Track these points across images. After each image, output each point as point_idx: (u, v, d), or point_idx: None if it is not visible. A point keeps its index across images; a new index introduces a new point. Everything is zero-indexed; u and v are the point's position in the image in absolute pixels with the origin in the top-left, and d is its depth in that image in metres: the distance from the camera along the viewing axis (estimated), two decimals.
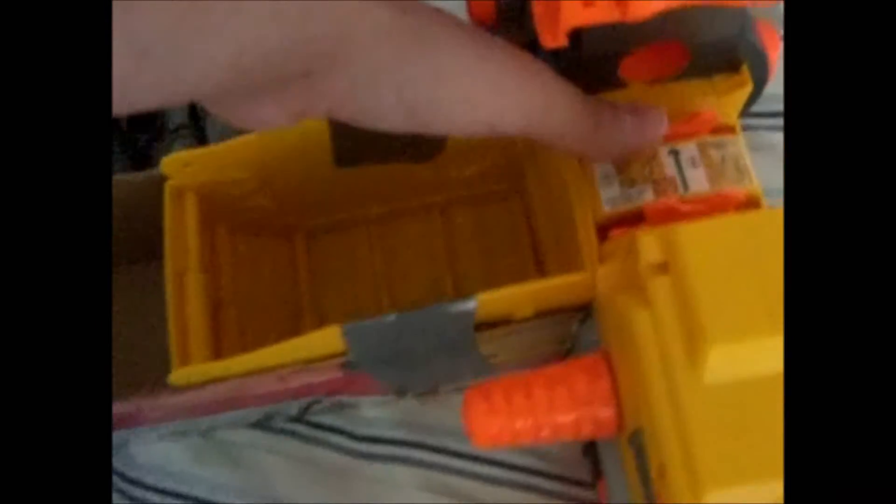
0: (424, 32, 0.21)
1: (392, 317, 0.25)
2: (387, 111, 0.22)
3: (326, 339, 0.25)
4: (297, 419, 0.35)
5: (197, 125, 0.37)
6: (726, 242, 0.22)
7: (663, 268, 0.22)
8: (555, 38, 0.24)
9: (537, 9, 0.25)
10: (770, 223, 0.22)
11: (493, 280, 0.34)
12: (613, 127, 0.25)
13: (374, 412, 0.34)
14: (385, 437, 0.34)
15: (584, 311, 0.27)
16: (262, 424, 0.35)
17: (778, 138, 0.37)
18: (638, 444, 0.23)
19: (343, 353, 0.26)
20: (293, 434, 0.34)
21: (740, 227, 0.22)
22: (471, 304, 0.25)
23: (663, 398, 0.21)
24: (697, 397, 0.21)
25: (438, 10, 0.22)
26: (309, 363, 0.27)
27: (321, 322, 0.34)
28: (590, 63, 0.27)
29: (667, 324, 0.22)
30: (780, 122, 0.37)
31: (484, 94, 0.23)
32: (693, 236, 0.22)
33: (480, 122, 0.23)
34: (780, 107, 0.37)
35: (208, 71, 0.19)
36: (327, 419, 0.35)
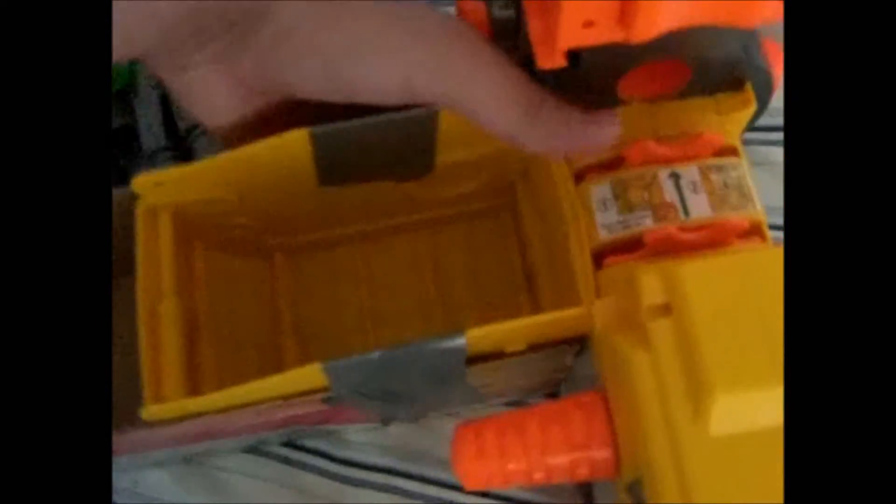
0: None
1: (376, 354, 0.23)
2: (307, 71, 0.23)
3: (307, 376, 0.24)
4: (283, 443, 0.33)
5: (179, 147, 0.35)
6: (732, 284, 0.20)
7: (665, 309, 0.21)
8: (552, 59, 0.23)
9: (534, 27, 0.23)
10: (778, 263, 0.21)
11: (483, 300, 0.33)
12: (556, 121, 0.24)
13: (361, 437, 0.33)
14: (371, 464, 0.33)
15: (580, 343, 0.26)
16: (246, 448, 0.33)
17: (777, 154, 0.35)
18: (637, 495, 0.21)
19: (324, 389, 0.25)
20: (278, 458, 0.33)
21: (747, 267, 0.21)
22: (460, 341, 0.23)
23: (664, 449, 0.20)
24: (701, 450, 0.20)
25: None
26: (289, 398, 0.25)
27: (302, 346, 0.32)
28: (587, 81, 0.25)
29: (668, 370, 0.20)
30: (779, 136, 0.36)
31: (398, 57, 0.22)
32: (697, 277, 0.20)
33: (398, 86, 0.23)
34: (778, 120, 0.35)
35: (154, 20, 0.21)
36: (313, 443, 0.33)
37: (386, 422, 0.32)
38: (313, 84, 0.24)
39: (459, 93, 0.23)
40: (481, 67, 0.23)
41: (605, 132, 0.24)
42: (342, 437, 0.33)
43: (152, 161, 0.35)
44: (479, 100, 0.23)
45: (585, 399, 0.24)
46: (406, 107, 0.26)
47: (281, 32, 0.23)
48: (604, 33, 0.21)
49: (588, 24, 0.21)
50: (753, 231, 0.25)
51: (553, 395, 0.32)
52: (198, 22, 0.22)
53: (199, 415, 0.25)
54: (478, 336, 0.23)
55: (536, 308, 0.31)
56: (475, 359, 0.25)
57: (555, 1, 0.21)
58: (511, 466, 0.23)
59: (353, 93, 0.23)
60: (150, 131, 0.35)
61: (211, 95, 0.25)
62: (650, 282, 0.21)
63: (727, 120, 0.27)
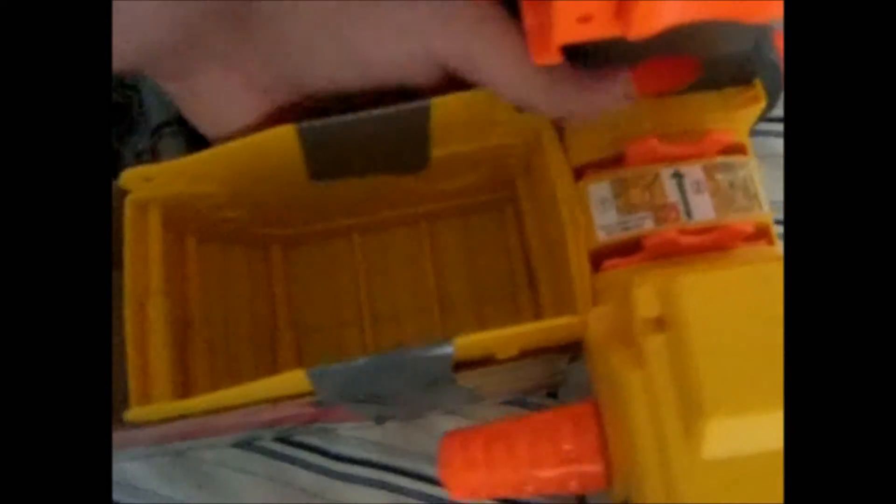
0: None
1: (361, 361, 0.23)
2: (321, 58, 0.22)
3: (293, 382, 0.23)
4: (274, 438, 0.33)
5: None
6: (731, 299, 0.19)
7: (660, 323, 0.20)
8: (547, 55, 0.22)
9: (529, 21, 0.22)
10: (780, 277, 0.20)
11: (482, 295, 0.33)
12: (567, 82, 0.23)
13: (354, 433, 0.32)
14: (363, 459, 0.32)
15: (573, 350, 0.25)
16: (235, 443, 0.33)
17: (780, 145, 0.34)
18: None
19: (311, 393, 0.24)
20: (268, 452, 0.33)
21: (747, 281, 0.20)
22: (447, 350, 0.22)
23: (655, 471, 0.19)
24: (693, 473, 0.19)
25: None
26: (278, 402, 0.24)
27: (298, 341, 0.32)
28: None
29: (661, 390, 0.19)
30: (780, 127, 0.34)
31: (416, 27, 0.22)
32: (694, 291, 0.19)
33: (417, 57, 0.23)
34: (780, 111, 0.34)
35: (155, 22, 0.21)
36: (305, 438, 0.33)
37: (380, 421, 0.31)
38: (328, 71, 0.23)
39: (477, 55, 0.23)
40: (496, 30, 0.23)
41: (616, 91, 0.24)
42: (335, 432, 0.32)
43: (156, 136, 0.34)
44: (495, 61, 0.23)
45: (577, 410, 0.23)
46: (401, 98, 0.25)
47: (290, 23, 0.22)
48: (601, 29, 0.20)
49: (584, 20, 0.20)
50: (760, 236, 0.24)
51: (553, 394, 0.32)
52: (206, 22, 0.22)
53: (186, 416, 0.25)
54: (466, 344, 0.23)
55: (537, 306, 0.31)
56: (464, 364, 0.24)
57: None
58: (499, 478, 0.23)
59: (371, 73, 0.23)
60: (160, 102, 0.33)
61: (219, 100, 0.24)
62: (645, 294, 0.20)
63: (735, 116, 0.26)
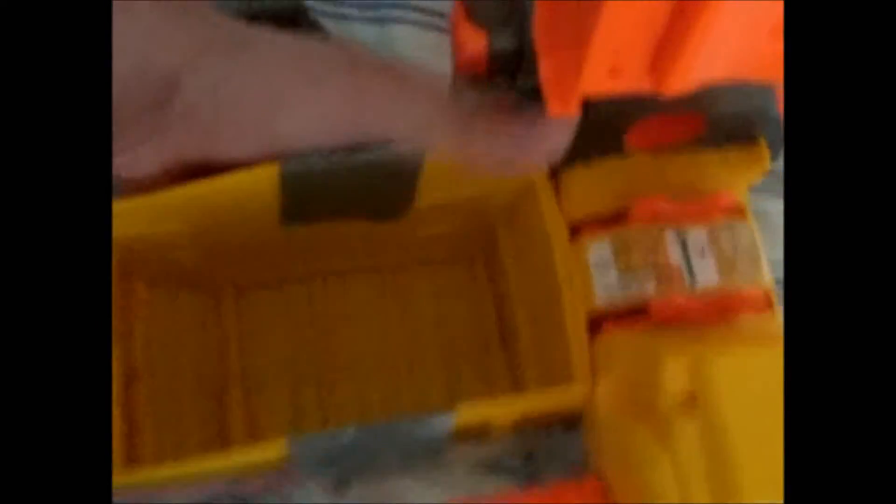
0: (242, 43, 0.22)
1: (350, 431, 0.20)
2: (231, 131, 0.22)
3: (267, 451, 0.21)
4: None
5: None
6: (765, 379, 0.18)
7: (689, 402, 0.19)
8: (567, 105, 0.20)
9: (545, 70, 0.21)
10: None
11: (452, 352, 0.31)
12: (496, 130, 0.22)
13: (313, 499, 0.30)
14: None
15: (570, 421, 0.23)
16: None
17: (772, 206, 0.33)
18: None
19: (284, 460, 0.22)
20: None
21: (781, 360, 0.18)
22: (447, 420, 0.20)
23: None
24: None
25: (260, 30, 0.22)
26: (242, 473, 0.22)
27: (250, 398, 0.29)
28: (595, 129, 0.23)
29: (692, 469, 0.18)
30: (775, 185, 0.34)
31: (320, 96, 0.22)
32: (728, 372, 0.18)
33: (325, 128, 0.22)
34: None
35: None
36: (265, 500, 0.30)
37: (340, 485, 0.29)
38: (242, 144, 0.23)
39: (384, 123, 0.22)
40: (405, 93, 0.22)
41: (554, 138, 0.22)
42: (290, 499, 0.29)
43: None
44: (404, 128, 0.22)
45: (583, 486, 0.21)
46: None
47: (194, 100, 0.22)
48: (630, 83, 0.19)
49: (614, 72, 0.19)
50: (766, 304, 0.23)
51: (528, 456, 0.30)
52: (116, 114, 0.21)
53: (135, 488, 0.22)
54: (467, 414, 0.21)
55: (513, 366, 0.29)
56: (458, 435, 0.22)
57: (578, 42, 0.19)
58: None
59: (285, 147, 0.23)
60: None
61: (138, 174, 0.23)
62: (675, 369, 0.19)
63: (737, 177, 0.25)
